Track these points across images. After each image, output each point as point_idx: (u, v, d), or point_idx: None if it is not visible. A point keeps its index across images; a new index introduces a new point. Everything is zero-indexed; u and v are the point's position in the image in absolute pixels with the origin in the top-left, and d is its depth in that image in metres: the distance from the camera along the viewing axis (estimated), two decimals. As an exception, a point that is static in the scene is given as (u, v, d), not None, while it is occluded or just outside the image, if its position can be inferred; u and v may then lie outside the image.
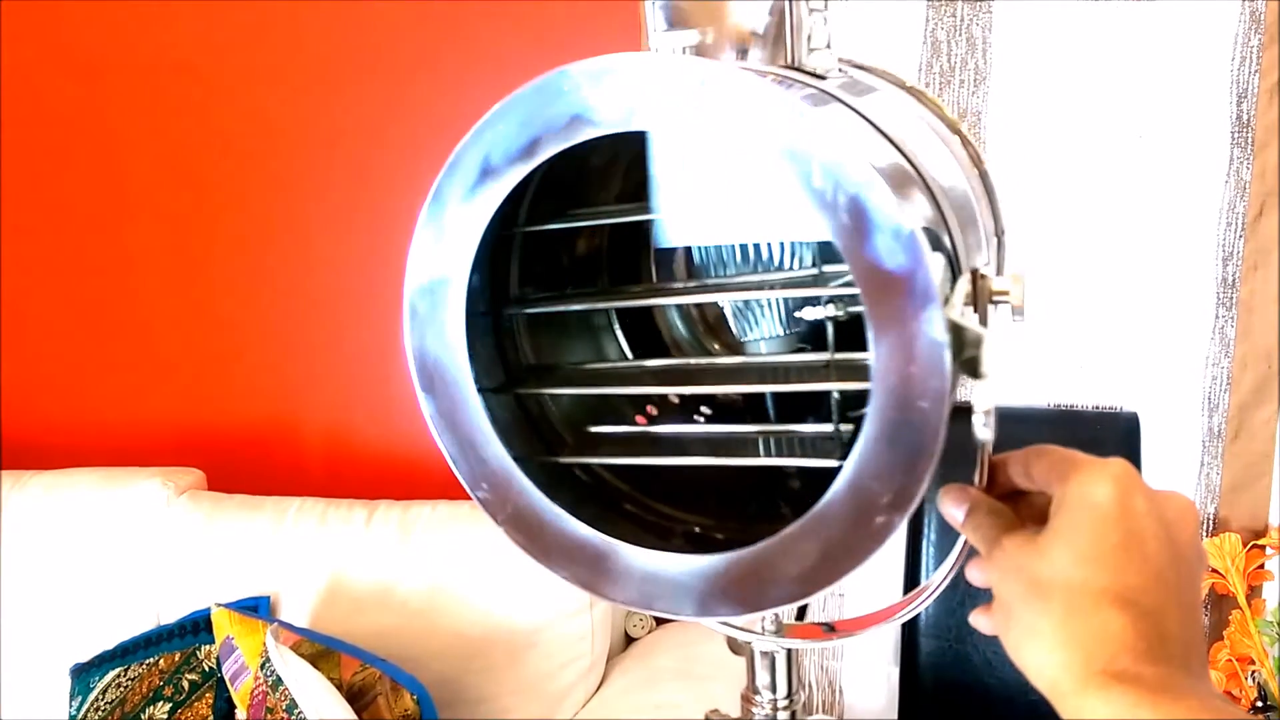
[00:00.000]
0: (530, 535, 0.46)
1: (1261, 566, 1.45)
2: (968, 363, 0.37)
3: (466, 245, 0.44)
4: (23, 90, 1.83)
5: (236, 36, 1.72)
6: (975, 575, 0.46)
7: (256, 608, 1.48)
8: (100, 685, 1.46)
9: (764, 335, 0.53)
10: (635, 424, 0.54)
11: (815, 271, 0.51)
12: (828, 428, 0.49)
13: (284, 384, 1.83)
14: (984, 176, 0.54)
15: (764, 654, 0.56)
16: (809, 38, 0.47)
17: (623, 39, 1.54)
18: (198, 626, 1.48)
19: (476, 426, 0.46)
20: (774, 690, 0.56)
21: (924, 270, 0.36)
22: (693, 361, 0.56)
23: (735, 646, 0.56)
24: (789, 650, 0.57)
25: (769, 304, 0.53)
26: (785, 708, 0.56)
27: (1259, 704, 1.42)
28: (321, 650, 1.34)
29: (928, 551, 1.45)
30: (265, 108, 1.74)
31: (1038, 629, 0.39)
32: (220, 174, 1.78)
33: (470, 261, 0.44)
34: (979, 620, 0.46)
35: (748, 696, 0.57)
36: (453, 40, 1.64)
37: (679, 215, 0.51)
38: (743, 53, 0.46)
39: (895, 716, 1.61)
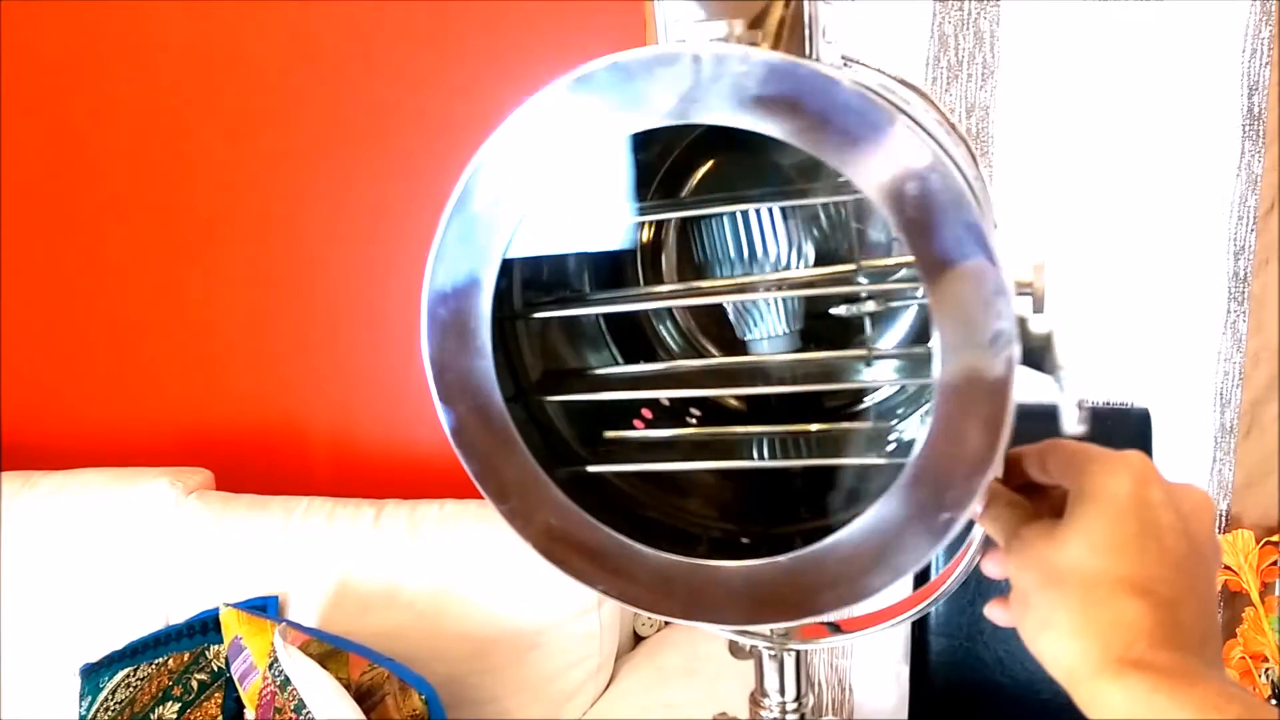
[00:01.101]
0: (564, 549, 0.44)
1: (1275, 563, 1.44)
2: (1033, 354, 0.37)
3: (495, 245, 0.42)
4: (26, 90, 1.83)
5: (242, 36, 1.72)
6: (991, 568, 0.46)
7: (265, 607, 1.48)
8: (109, 685, 1.46)
9: (767, 334, 0.52)
10: (634, 429, 0.53)
11: (853, 266, 0.51)
12: (865, 425, 0.48)
13: (291, 384, 1.83)
14: (977, 169, 0.54)
15: (772, 656, 0.56)
16: (823, 31, 0.47)
17: (626, 38, 1.54)
18: (206, 626, 1.48)
19: (501, 438, 0.44)
20: (783, 693, 0.55)
21: (994, 263, 0.36)
22: (729, 361, 0.55)
23: (736, 650, 0.55)
24: (798, 652, 0.56)
25: (772, 301, 0.52)
26: (794, 710, 0.55)
27: (1273, 700, 1.41)
28: (330, 650, 1.33)
29: (937, 549, 1.44)
30: (270, 108, 1.73)
31: (1055, 618, 0.40)
32: (227, 174, 1.78)
33: (499, 262, 0.42)
34: (994, 612, 0.46)
35: (756, 699, 0.56)
36: (456, 38, 1.64)
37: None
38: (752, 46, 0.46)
39: (906, 716, 1.61)
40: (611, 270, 0.56)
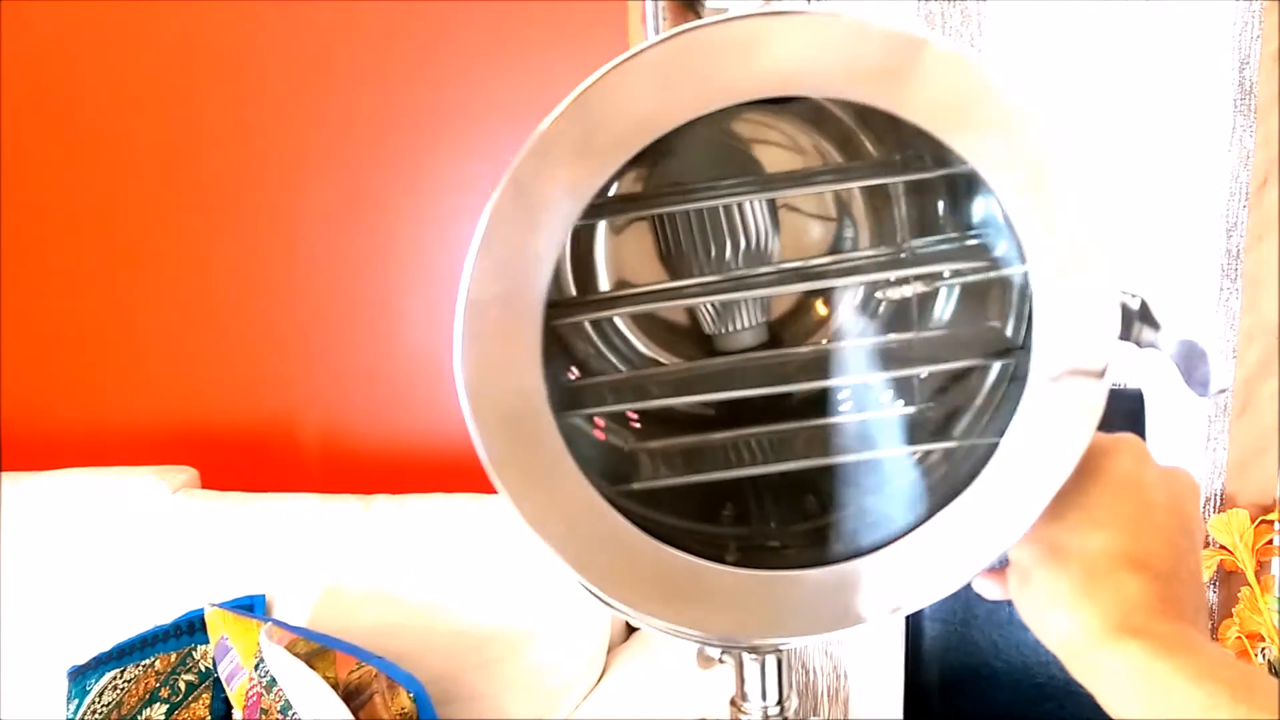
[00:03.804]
0: (625, 580, 0.40)
1: (1270, 542, 1.43)
2: (1125, 327, 0.38)
3: (549, 245, 0.37)
4: (21, 89, 1.80)
5: (230, 34, 1.70)
6: None
7: (252, 606, 1.47)
8: (97, 688, 1.45)
9: (742, 326, 0.50)
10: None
11: (894, 250, 0.50)
12: (909, 410, 0.47)
13: (276, 380, 1.81)
14: None
15: (754, 658, 0.54)
16: None
17: (611, 36, 1.52)
18: (193, 626, 1.46)
19: (550, 461, 0.39)
20: (764, 696, 0.54)
21: (1103, 235, 0.36)
22: (761, 356, 0.51)
23: (704, 660, 0.53)
24: (780, 653, 0.54)
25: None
26: (777, 714, 0.54)
27: (1269, 681, 1.40)
28: (317, 649, 1.32)
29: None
30: (258, 105, 1.72)
31: (1056, 591, 0.41)
32: (213, 172, 1.76)
33: (552, 264, 0.37)
34: (984, 585, 0.47)
35: (736, 703, 0.54)
36: (439, 38, 1.63)
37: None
38: None
39: (901, 700, 1.60)
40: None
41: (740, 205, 0.49)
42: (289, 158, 1.72)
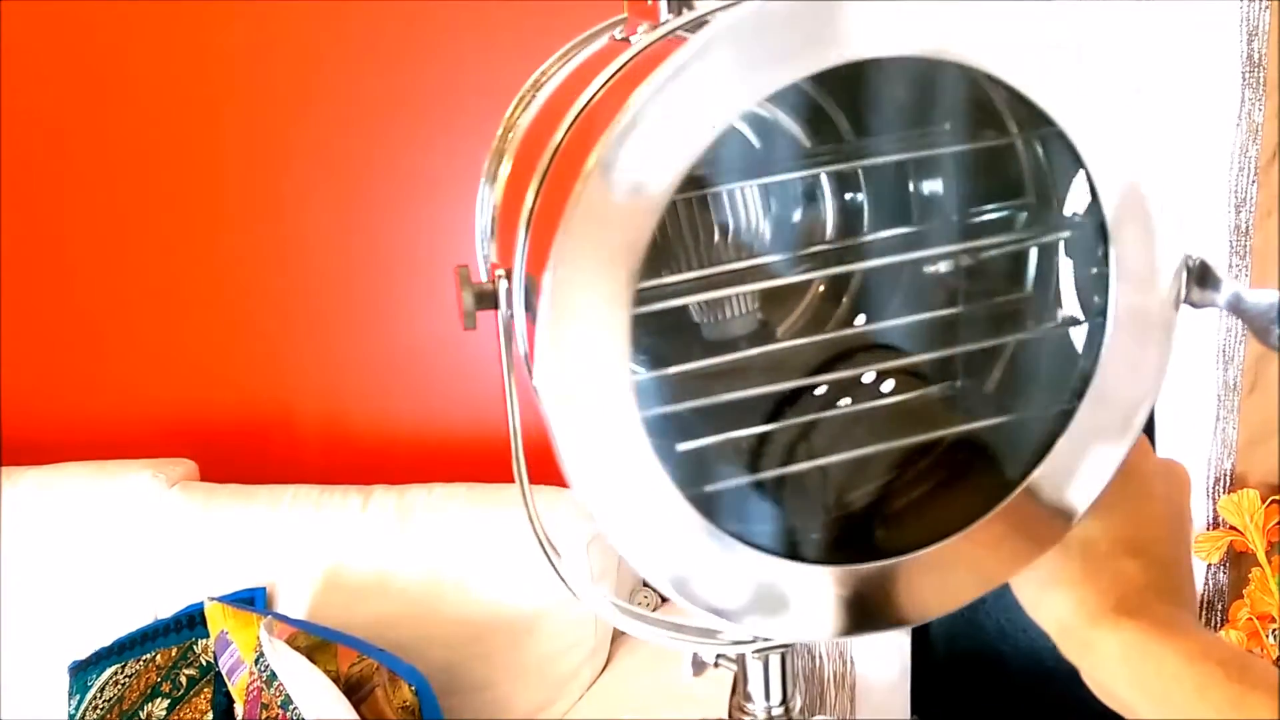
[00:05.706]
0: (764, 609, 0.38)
1: (1281, 522, 1.41)
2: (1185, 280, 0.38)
3: (643, 227, 0.33)
4: (18, 86, 1.78)
5: (220, 27, 1.68)
6: None
7: (253, 600, 1.46)
8: (98, 683, 1.44)
9: (730, 315, 0.48)
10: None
11: (928, 225, 0.48)
12: (932, 389, 0.46)
13: (275, 371, 1.80)
14: None
15: (756, 657, 0.52)
16: None
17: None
18: (194, 620, 1.45)
19: (639, 468, 0.35)
20: (768, 697, 0.52)
21: (1175, 200, 0.37)
22: (834, 336, 0.49)
23: (698, 665, 0.52)
24: (783, 650, 0.53)
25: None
26: (780, 714, 0.52)
27: (1280, 662, 1.38)
28: (318, 642, 1.31)
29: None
30: (252, 92, 1.70)
31: (1056, 573, 0.41)
32: (207, 163, 1.74)
33: (644, 248, 0.34)
34: None
35: (740, 705, 0.53)
36: (435, 29, 1.61)
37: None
38: None
39: (909, 685, 1.59)
40: None
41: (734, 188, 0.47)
42: (284, 150, 1.71)
